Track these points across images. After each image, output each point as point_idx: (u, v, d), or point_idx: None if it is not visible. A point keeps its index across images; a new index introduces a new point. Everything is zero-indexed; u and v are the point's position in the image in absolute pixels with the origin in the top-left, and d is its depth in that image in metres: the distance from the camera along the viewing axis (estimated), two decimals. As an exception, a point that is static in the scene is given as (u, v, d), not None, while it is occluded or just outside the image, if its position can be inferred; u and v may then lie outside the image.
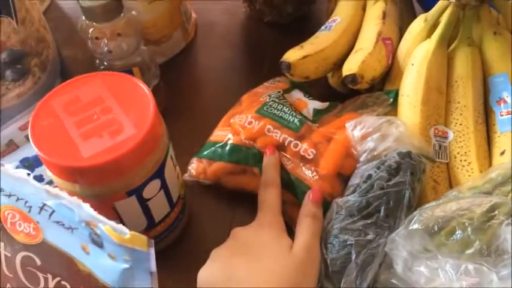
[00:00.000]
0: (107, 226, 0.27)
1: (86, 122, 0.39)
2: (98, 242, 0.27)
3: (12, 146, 0.52)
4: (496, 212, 0.35)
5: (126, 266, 0.27)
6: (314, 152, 0.47)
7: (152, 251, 0.27)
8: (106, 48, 0.51)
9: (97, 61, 0.54)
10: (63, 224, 0.28)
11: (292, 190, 0.47)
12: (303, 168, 0.47)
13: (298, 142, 0.48)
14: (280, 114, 0.50)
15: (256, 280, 0.38)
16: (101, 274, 0.28)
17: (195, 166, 0.52)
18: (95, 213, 0.28)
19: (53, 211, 0.28)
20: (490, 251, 0.34)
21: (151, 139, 0.39)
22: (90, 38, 0.52)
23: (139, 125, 0.38)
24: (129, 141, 0.37)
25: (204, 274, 0.40)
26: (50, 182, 0.41)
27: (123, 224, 0.41)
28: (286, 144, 0.48)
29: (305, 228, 0.42)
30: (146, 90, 0.41)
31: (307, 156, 0.47)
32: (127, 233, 0.27)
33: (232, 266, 0.39)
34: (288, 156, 0.48)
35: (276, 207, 0.45)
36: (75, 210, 0.28)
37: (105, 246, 0.27)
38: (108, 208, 0.39)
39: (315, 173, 0.47)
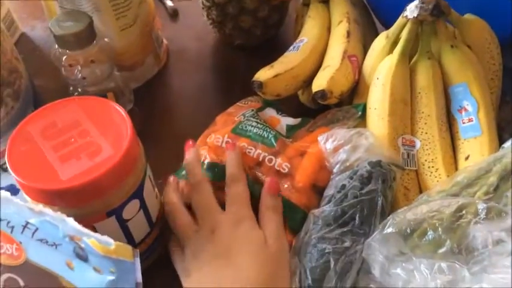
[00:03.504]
0: (92, 239, 0.27)
1: (64, 146, 0.39)
2: (82, 256, 0.27)
3: (-15, 177, 0.51)
4: (464, 211, 0.37)
5: (112, 277, 0.27)
6: (289, 166, 0.48)
7: (137, 261, 0.27)
8: (80, 74, 0.52)
9: (71, 88, 0.55)
10: (46, 241, 0.28)
11: None
12: (280, 182, 0.48)
13: (272, 157, 0.49)
14: (255, 131, 0.51)
15: (240, 278, 0.40)
16: (86, 289, 0.28)
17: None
18: (79, 227, 0.28)
19: (37, 229, 0.28)
20: (460, 249, 0.36)
21: (130, 159, 0.40)
22: (64, 65, 0.52)
23: (117, 146, 0.39)
24: (108, 162, 0.38)
25: (191, 286, 0.41)
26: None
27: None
28: (261, 159, 0.49)
29: (268, 220, 0.44)
30: (122, 112, 0.41)
31: (282, 171, 0.48)
32: (112, 243, 0.27)
33: (217, 270, 0.41)
34: (264, 171, 0.49)
35: (246, 199, 0.46)
36: (59, 226, 0.28)
37: (90, 260, 0.27)
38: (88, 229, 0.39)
39: (290, 187, 0.48)
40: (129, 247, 0.27)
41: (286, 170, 0.48)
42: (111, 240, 0.27)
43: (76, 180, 0.37)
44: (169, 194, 0.47)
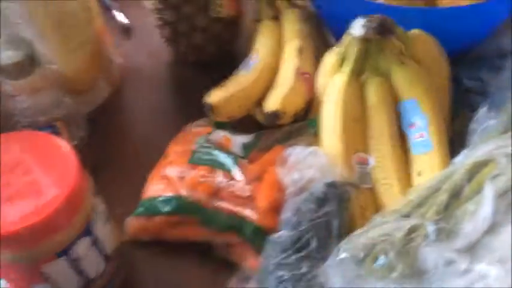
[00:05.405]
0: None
1: (5, 187, 0.38)
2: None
3: None
4: (414, 234, 0.37)
5: None
6: (250, 189, 0.48)
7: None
8: (25, 105, 0.50)
9: (17, 119, 0.53)
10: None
11: (237, 230, 0.47)
12: (242, 207, 0.47)
13: (233, 182, 0.48)
14: (212, 158, 0.50)
15: None
16: None
17: (132, 224, 0.51)
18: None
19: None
20: (413, 271, 0.36)
21: (76, 197, 0.38)
22: (7, 96, 0.50)
23: (62, 185, 0.38)
24: (52, 203, 0.36)
25: None
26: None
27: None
28: (222, 186, 0.48)
29: None
30: (67, 146, 0.40)
31: (244, 195, 0.48)
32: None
33: None
34: (224, 197, 0.48)
35: None
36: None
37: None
38: (36, 272, 0.38)
39: (254, 211, 0.47)
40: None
41: (248, 193, 0.48)
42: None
43: (20, 223, 0.35)
44: None
